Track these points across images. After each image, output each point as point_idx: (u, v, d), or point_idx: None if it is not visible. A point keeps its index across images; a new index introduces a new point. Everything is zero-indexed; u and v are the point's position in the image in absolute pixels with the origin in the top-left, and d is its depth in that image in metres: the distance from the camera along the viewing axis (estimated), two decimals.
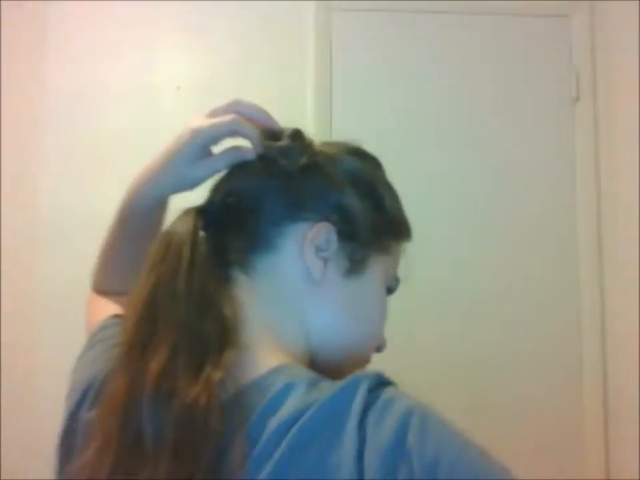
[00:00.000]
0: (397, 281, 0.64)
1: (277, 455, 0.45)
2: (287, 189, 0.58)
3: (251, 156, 0.60)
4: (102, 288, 0.79)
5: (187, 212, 0.58)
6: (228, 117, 0.60)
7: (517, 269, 1.87)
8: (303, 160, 0.59)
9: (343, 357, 0.59)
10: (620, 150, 1.86)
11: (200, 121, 0.62)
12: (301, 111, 1.88)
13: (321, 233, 0.57)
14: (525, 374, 1.82)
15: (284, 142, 0.59)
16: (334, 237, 0.58)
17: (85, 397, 0.60)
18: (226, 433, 0.46)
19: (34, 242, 1.83)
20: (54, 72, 1.91)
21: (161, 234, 0.58)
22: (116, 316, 0.71)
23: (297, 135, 0.60)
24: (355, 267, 0.59)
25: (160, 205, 0.70)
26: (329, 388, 0.48)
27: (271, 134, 0.61)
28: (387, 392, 0.47)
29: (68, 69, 1.92)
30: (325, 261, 0.57)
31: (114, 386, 0.51)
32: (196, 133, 0.61)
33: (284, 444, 0.45)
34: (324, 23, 1.94)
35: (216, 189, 0.62)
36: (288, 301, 0.57)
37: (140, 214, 0.70)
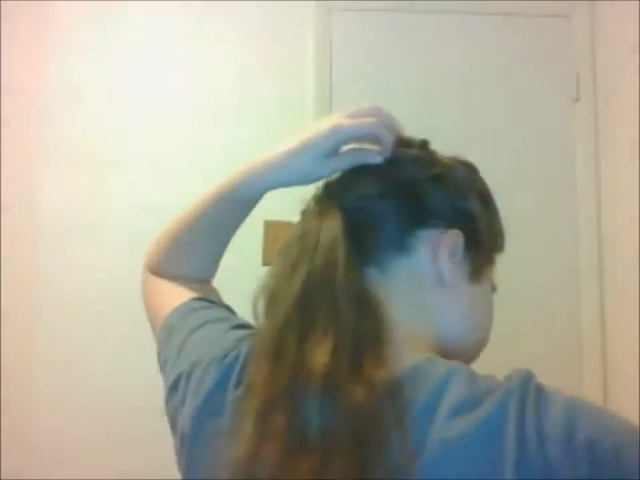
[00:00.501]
0: (495, 289, 0.69)
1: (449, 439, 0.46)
2: (418, 195, 0.61)
3: (377, 160, 0.61)
4: (168, 271, 0.78)
5: (327, 209, 0.60)
6: (370, 120, 0.62)
7: (516, 269, 1.87)
8: (436, 169, 0.62)
9: (464, 355, 0.61)
10: (620, 150, 1.86)
11: (340, 119, 0.62)
12: (301, 111, 1.88)
13: (453, 239, 0.60)
14: None
15: (414, 150, 0.63)
16: (462, 243, 0.61)
17: (225, 374, 0.59)
18: (388, 426, 0.48)
19: (34, 242, 1.83)
20: (54, 72, 1.91)
21: (300, 228, 0.60)
22: (200, 299, 0.73)
23: (425, 144, 0.64)
24: (475, 272, 0.63)
25: (261, 197, 0.71)
26: (489, 381, 0.50)
27: (401, 141, 0.63)
28: (542, 390, 0.48)
29: (68, 68, 1.92)
30: (455, 265, 0.61)
31: (264, 375, 0.53)
32: (337, 130, 0.61)
33: (453, 431, 0.46)
34: (324, 23, 1.95)
35: (346, 189, 0.62)
36: (421, 300, 0.60)
37: (242, 201, 0.71)
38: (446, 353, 0.59)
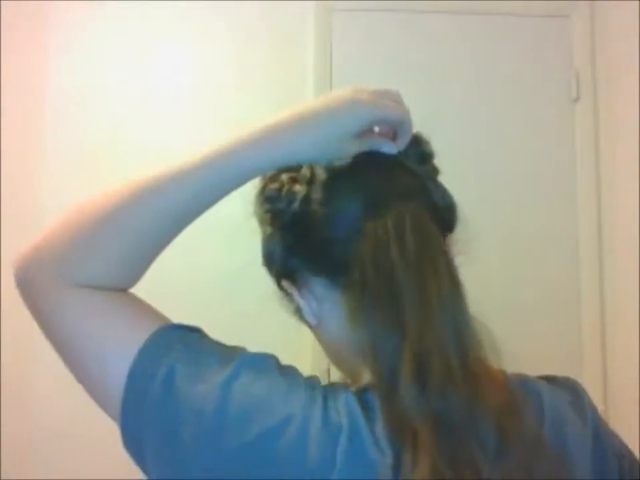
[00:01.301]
0: None
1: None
2: (429, 191, 0.60)
3: (392, 150, 0.59)
4: (87, 275, 0.54)
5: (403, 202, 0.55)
6: (404, 107, 0.59)
7: (517, 269, 1.87)
8: (435, 167, 0.62)
9: None
10: (620, 150, 1.86)
11: (369, 96, 0.57)
12: None
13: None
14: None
15: (427, 147, 0.62)
16: None
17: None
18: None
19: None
20: (54, 72, 1.91)
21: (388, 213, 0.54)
22: (179, 326, 0.55)
23: (428, 142, 0.64)
24: None
25: (269, 170, 0.58)
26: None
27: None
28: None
29: (68, 68, 1.92)
30: None
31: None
32: (371, 112, 0.56)
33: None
34: (324, 23, 1.94)
35: (381, 179, 0.58)
36: None
37: (242, 174, 0.55)
38: None
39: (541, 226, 1.90)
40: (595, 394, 1.84)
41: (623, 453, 0.59)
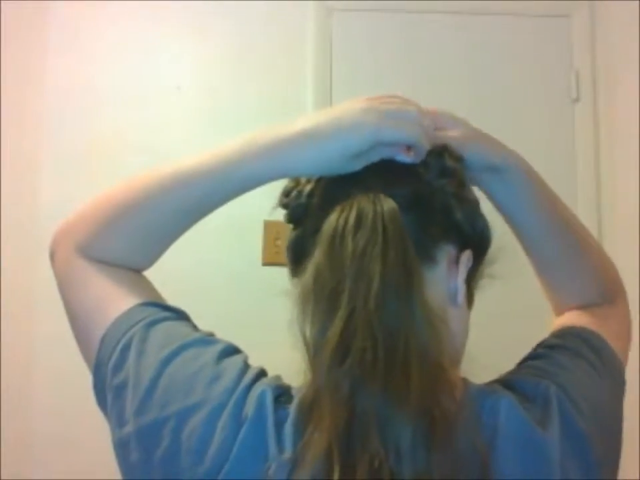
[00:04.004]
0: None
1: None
2: (446, 208, 0.58)
3: (407, 160, 0.57)
4: (101, 253, 0.61)
5: (375, 194, 0.54)
6: (415, 129, 0.56)
7: (516, 270, 1.87)
8: (462, 185, 0.60)
9: None
10: (620, 150, 1.86)
11: (377, 117, 0.56)
12: (300, 111, 1.88)
13: (467, 259, 0.58)
14: None
15: (451, 162, 0.59)
16: (471, 264, 0.59)
17: (254, 434, 0.49)
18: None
19: (34, 242, 1.83)
20: (54, 72, 1.91)
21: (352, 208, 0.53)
22: (151, 303, 0.59)
23: (460, 159, 0.61)
24: (471, 296, 0.62)
25: (270, 181, 0.59)
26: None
27: (436, 147, 0.60)
28: None
29: (68, 69, 1.92)
30: (464, 286, 0.59)
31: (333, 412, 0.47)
32: (377, 136, 0.55)
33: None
34: (324, 23, 1.95)
35: (388, 182, 0.56)
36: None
37: (245, 183, 0.59)
38: None
39: None
40: None
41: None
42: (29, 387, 1.80)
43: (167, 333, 0.56)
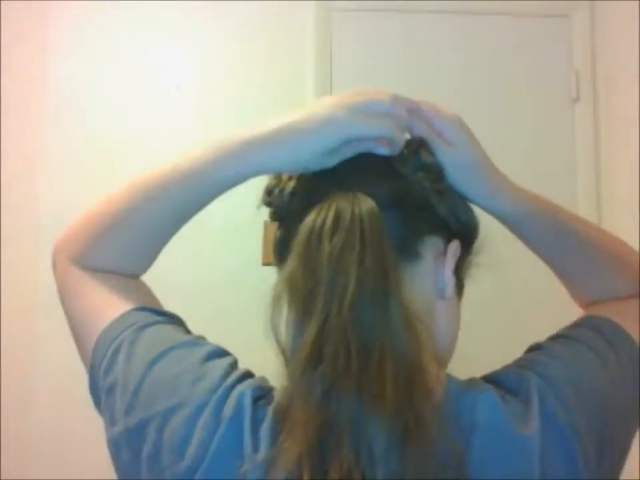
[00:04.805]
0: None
1: None
2: (428, 203, 0.58)
3: (385, 152, 0.57)
4: (96, 262, 0.63)
5: (354, 194, 0.53)
6: (385, 122, 0.56)
7: (516, 270, 1.87)
8: (441, 179, 0.59)
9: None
10: (620, 150, 1.86)
11: (348, 113, 0.56)
12: None
13: (455, 250, 0.58)
14: None
15: (427, 157, 0.59)
16: (459, 255, 0.59)
17: (233, 432, 0.50)
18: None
19: (34, 242, 1.83)
20: (54, 72, 1.91)
21: (330, 208, 0.52)
22: (144, 308, 0.60)
23: (426, 147, 0.60)
24: (461, 287, 0.62)
25: (246, 180, 0.60)
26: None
27: (412, 142, 0.59)
28: None
29: (68, 69, 1.92)
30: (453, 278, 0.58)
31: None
32: (347, 131, 0.55)
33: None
34: (324, 23, 1.94)
35: (367, 180, 0.56)
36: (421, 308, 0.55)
37: (220, 184, 0.59)
38: None
39: None
40: None
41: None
42: (29, 387, 1.80)
43: (156, 337, 0.57)
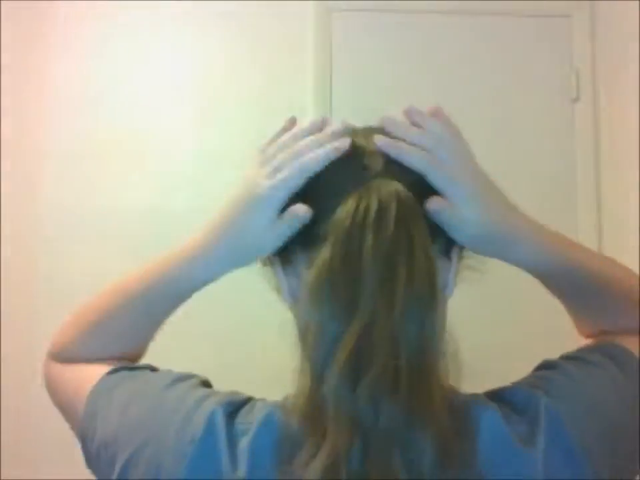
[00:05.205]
0: None
1: None
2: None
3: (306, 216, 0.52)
4: (85, 353, 0.65)
5: (394, 183, 0.49)
6: (289, 172, 0.52)
7: (516, 270, 1.87)
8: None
9: None
10: (620, 150, 1.86)
11: (264, 179, 0.53)
12: (300, 112, 1.88)
13: (458, 254, 0.57)
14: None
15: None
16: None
17: (206, 451, 0.49)
18: None
19: (34, 242, 1.83)
20: (54, 72, 1.91)
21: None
22: (118, 369, 0.61)
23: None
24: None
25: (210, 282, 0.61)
26: None
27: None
28: None
29: (68, 68, 1.92)
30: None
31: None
32: (267, 202, 0.52)
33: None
34: (324, 24, 1.94)
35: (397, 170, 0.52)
36: None
37: (191, 291, 0.62)
38: None
39: None
40: None
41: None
42: (29, 387, 1.80)
43: (128, 392, 0.57)
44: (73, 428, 0.62)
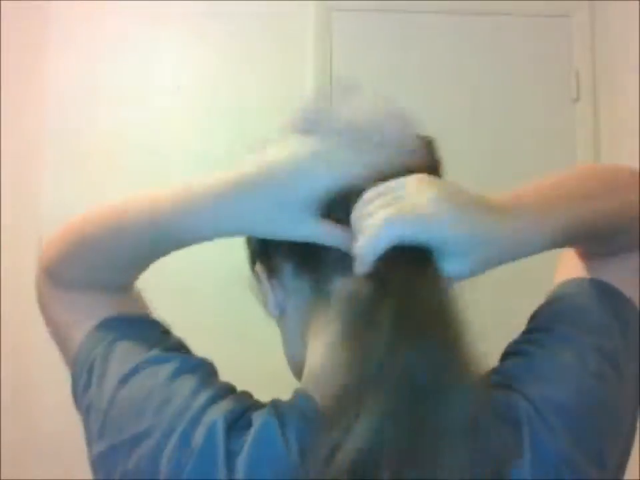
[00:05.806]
0: None
1: None
2: None
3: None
4: (78, 279, 0.60)
5: None
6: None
7: (516, 269, 1.87)
8: None
9: None
10: (620, 150, 1.86)
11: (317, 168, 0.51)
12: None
13: None
14: None
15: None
16: None
17: (204, 464, 0.47)
18: None
19: (34, 242, 1.83)
20: (54, 72, 1.91)
21: None
22: (115, 318, 0.58)
23: None
24: None
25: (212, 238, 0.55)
26: None
27: None
28: None
29: (68, 68, 1.92)
30: None
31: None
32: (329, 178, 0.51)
33: None
34: (324, 23, 1.95)
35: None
36: None
37: (197, 239, 0.56)
38: None
39: None
40: None
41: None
42: (29, 387, 1.80)
43: (126, 352, 0.54)
44: (63, 357, 0.61)
